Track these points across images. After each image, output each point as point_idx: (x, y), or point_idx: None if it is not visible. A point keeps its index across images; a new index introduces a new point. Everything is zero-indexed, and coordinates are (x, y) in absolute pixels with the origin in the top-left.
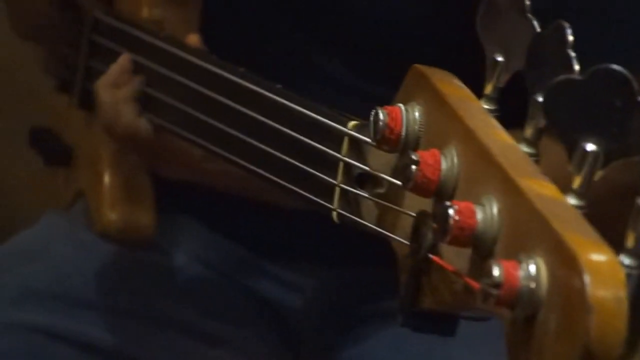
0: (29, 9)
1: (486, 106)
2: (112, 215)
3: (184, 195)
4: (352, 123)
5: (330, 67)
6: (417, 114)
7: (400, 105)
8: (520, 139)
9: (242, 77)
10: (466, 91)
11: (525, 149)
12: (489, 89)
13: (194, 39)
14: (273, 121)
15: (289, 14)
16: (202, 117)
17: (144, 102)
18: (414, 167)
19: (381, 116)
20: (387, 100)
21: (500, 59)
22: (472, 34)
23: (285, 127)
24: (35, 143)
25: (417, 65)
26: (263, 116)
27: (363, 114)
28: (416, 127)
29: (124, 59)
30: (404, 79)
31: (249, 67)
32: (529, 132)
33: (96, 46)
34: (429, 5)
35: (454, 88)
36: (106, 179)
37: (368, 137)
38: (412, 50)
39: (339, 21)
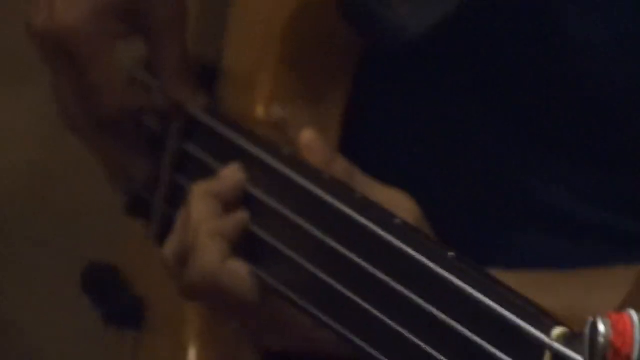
0: (99, 89)
1: None
2: None
3: None
4: (557, 331)
5: (549, 191)
6: None
7: (631, 313)
8: None
9: (393, 234)
10: None
11: None
12: None
13: (307, 138)
14: (437, 308)
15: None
16: (335, 284)
17: (249, 250)
18: None
19: (602, 329)
20: None
21: None
22: None
23: (454, 320)
24: (91, 289)
25: None
26: (422, 298)
27: None
28: None
29: (236, 172)
30: None
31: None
32: None
33: (187, 155)
34: None
35: None
36: (192, 354)
37: (581, 356)
38: None
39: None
